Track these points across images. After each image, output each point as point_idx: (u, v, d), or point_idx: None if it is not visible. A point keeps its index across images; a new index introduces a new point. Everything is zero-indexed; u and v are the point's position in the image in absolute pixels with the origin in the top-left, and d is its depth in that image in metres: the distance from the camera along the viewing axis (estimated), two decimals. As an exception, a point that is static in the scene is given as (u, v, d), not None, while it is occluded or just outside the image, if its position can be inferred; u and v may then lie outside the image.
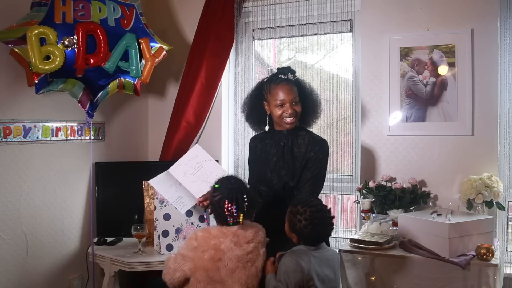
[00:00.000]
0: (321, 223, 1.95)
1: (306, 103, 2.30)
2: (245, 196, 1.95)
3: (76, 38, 2.49)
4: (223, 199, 1.94)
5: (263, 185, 2.34)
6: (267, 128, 2.38)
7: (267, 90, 2.31)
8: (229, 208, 1.92)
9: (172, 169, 2.30)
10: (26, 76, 2.47)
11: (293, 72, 2.30)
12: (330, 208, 2.00)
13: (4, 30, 2.38)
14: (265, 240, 2.03)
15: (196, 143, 3.25)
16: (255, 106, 2.38)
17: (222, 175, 2.32)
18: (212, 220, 2.10)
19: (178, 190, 2.32)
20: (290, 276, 1.87)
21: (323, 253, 1.98)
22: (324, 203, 2.03)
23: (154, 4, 3.40)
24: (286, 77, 2.27)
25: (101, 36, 2.56)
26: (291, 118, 2.24)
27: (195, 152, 2.34)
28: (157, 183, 2.33)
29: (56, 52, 2.41)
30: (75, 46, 2.49)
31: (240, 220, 1.94)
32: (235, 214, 1.92)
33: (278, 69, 2.35)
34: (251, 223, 2.02)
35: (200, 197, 2.20)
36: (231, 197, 1.93)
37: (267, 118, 2.35)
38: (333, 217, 1.99)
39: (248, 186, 2.44)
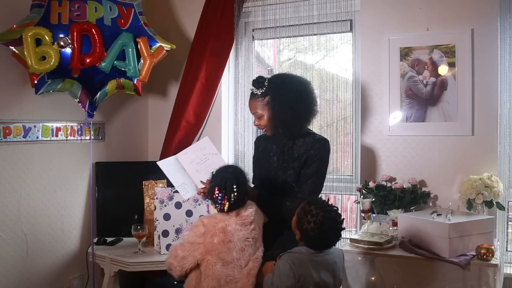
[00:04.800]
0: (329, 232, 1.90)
1: (278, 111, 2.24)
2: (235, 186, 2.01)
3: (71, 38, 2.49)
4: (215, 186, 2.03)
5: (262, 183, 2.36)
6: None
7: None
8: (217, 195, 2.01)
9: (180, 155, 2.32)
10: (29, 76, 2.48)
11: (260, 83, 2.25)
12: (343, 218, 1.96)
13: (4, 32, 2.39)
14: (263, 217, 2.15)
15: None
16: None
17: None
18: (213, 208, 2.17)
19: (183, 177, 2.34)
20: (282, 280, 1.86)
21: (323, 256, 1.94)
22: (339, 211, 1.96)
23: (156, 4, 3.40)
24: (251, 91, 2.29)
25: (96, 36, 2.56)
26: (263, 129, 2.32)
27: (203, 143, 2.37)
28: (165, 166, 2.34)
29: (51, 53, 2.42)
30: (70, 46, 2.50)
31: (225, 209, 2.01)
32: (220, 202, 2.00)
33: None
34: (249, 202, 2.10)
35: (201, 188, 2.22)
36: (221, 185, 2.02)
37: None
38: (344, 228, 1.95)
39: (252, 183, 2.46)
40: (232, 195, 2.00)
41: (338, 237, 1.95)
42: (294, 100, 2.24)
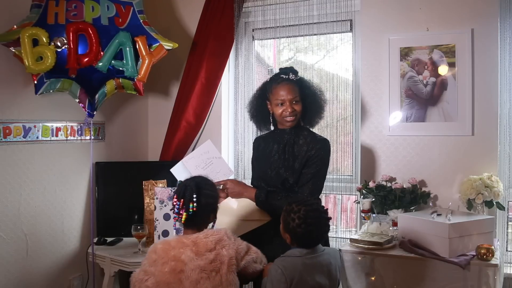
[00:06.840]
0: (315, 223, 1.88)
1: (308, 103, 2.33)
2: (194, 195, 1.81)
3: (67, 38, 2.49)
4: (174, 194, 1.87)
5: (263, 183, 2.36)
6: (272, 127, 2.43)
7: (269, 89, 2.36)
8: (174, 204, 1.85)
9: (186, 160, 2.31)
10: (32, 77, 2.48)
11: (295, 72, 2.34)
12: (327, 209, 1.96)
13: (4, 33, 2.39)
14: (239, 247, 1.88)
15: (196, 143, 3.26)
16: (259, 106, 2.42)
17: (229, 175, 2.31)
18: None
19: None
20: (274, 285, 1.86)
21: (316, 258, 1.92)
22: (323, 203, 1.99)
23: (158, 3, 3.39)
24: (287, 76, 2.31)
25: (92, 35, 2.55)
26: (291, 117, 2.29)
27: (206, 147, 2.36)
28: (177, 172, 2.32)
29: (48, 53, 2.42)
30: (66, 46, 2.50)
31: (182, 220, 1.81)
32: (177, 211, 1.82)
33: (280, 69, 2.39)
34: (216, 230, 1.88)
35: None
36: (180, 192, 1.85)
37: (271, 118, 2.39)
38: (330, 218, 1.95)
39: (251, 184, 2.44)
40: (191, 205, 1.80)
41: (325, 228, 1.95)
42: (320, 96, 2.39)
